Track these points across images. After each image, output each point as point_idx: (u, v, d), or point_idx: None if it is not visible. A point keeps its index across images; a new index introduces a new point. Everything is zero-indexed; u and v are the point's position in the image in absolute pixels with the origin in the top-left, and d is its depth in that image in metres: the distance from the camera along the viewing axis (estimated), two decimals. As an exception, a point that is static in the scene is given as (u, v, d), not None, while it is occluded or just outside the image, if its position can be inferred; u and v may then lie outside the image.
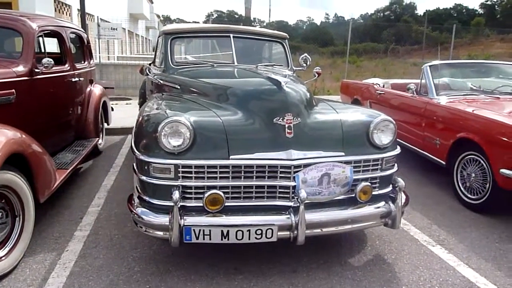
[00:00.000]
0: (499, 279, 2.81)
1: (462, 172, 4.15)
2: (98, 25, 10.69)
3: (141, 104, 6.50)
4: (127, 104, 9.76)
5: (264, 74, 3.15)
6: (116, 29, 10.88)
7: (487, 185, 3.80)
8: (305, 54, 4.49)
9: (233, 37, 4.31)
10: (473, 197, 3.99)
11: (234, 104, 2.86)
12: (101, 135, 5.76)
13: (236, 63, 4.13)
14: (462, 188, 4.14)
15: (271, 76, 2.97)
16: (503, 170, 3.53)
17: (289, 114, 2.63)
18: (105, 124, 6.20)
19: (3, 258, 2.64)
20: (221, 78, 3.60)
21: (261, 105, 2.75)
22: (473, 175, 3.96)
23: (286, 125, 2.61)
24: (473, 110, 4.17)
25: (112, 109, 6.44)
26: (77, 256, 2.97)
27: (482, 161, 3.86)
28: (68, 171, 3.82)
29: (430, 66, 5.13)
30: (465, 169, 4.10)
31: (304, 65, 4.45)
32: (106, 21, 13.06)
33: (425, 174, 5.06)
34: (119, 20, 13.45)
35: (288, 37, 4.77)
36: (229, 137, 2.57)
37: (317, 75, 4.48)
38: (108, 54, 17.55)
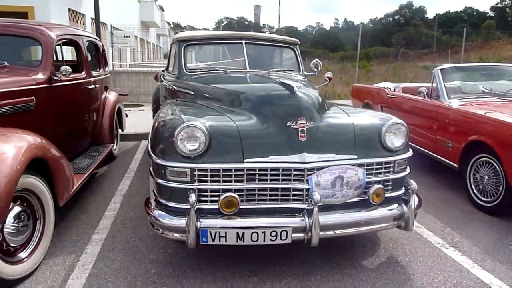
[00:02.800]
0: (513, 281, 2.81)
1: (475, 175, 4.14)
2: (111, 33, 10.88)
3: (154, 110, 6.61)
4: (140, 110, 9.90)
5: (277, 79, 3.21)
6: (129, 37, 11.07)
7: (500, 188, 3.80)
8: (316, 60, 4.54)
9: (245, 43, 4.38)
10: (486, 199, 3.98)
11: (247, 109, 2.92)
12: (115, 141, 5.86)
13: (248, 69, 4.19)
14: (475, 191, 4.14)
15: (283, 81, 3.02)
16: (516, 173, 3.53)
17: (302, 118, 2.68)
18: (120, 130, 6.30)
19: (25, 259, 2.72)
20: (234, 83, 3.67)
21: (275, 110, 2.80)
22: (486, 177, 3.95)
23: (299, 129, 2.66)
24: (485, 113, 4.17)
25: (126, 115, 6.55)
26: (95, 258, 3.04)
27: (495, 164, 3.86)
28: (85, 175, 3.91)
29: (441, 69, 5.14)
30: (478, 171, 4.10)
31: (315, 70, 4.51)
32: (119, 29, 13.26)
33: (437, 177, 5.06)
34: (131, 28, 13.65)
35: (299, 42, 4.83)
36: (244, 141, 2.63)
37: (328, 80, 4.53)
38: (121, 61, 17.79)
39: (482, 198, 4.03)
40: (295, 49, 4.73)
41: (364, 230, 2.80)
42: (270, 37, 4.89)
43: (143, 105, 10.56)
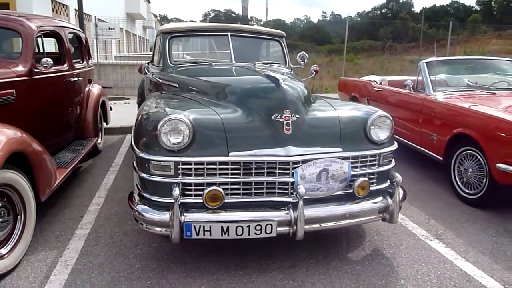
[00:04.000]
0: (496, 272, 2.84)
1: (459, 168, 4.18)
2: (96, 25, 10.70)
3: (139, 103, 6.52)
4: (125, 103, 9.78)
5: (262, 72, 3.18)
6: (114, 29, 10.90)
7: (484, 180, 3.84)
8: (303, 52, 4.52)
9: (231, 35, 4.33)
10: (470, 192, 4.03)
11: (232, 102, 2.88)
12: (100, 135, 5.78)
13: (234, 62, 4.15)
14: (459, 183, 4.18)
15: (269, 73, 3.00)
16: (499, 165, 3.57)
17: (287, 111, 2.65)
18: (104, 124, 6.21)
19: (5, 256, 2.66)
20: (219, 76, 3.63)
21: (259, 103, 2.77)
22: (470, 170, 3.99)
23: (284, 122, 2.64)
24: (470, 106, 4.20)
25: (111, 109, 6.47)
26: (78, 253, 2.99)
27: (479, 156, 3.90)
28: (68, 170, 3.85)
29: (426, 62, 5.17)
30: (462, 164, 4.13)
31: (302, 62, 4.49)
32: (103, 21, 13.05)
33: (422, 170, 5.10)
34: (116, 20, 13.45)
35: (285, 35, 4.80)
36: (228, 134, 2.60)
37: (314, 73, 4.51)
38: (106, 53, 17.54)
39: (466, 191, 4.08)
40: (282, 42, 4.70)
41: (349, 223, 2.80)
42: (256, 29, 4.85)
43: (128, 98, 10.43)
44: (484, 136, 3.79)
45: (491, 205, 3.92)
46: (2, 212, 2.66)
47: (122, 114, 7.89)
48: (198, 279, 2.69)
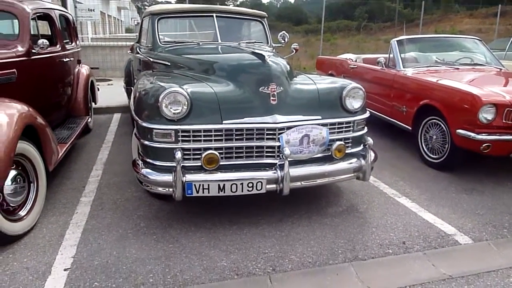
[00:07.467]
0: (453, 220, 3.32)
1: (425, 135, 4.65)
2: (75, 7, 10.69)
3: (127, 82, 6.76)
4: (108, 84, 9.92)
5: (248, 50, 3.51)
6: (94, 10, 10.91)
7: (446, 146, 4.31)
8: (283, 32, 4.86)
9: (216, 16, 4.62)
10: (434, 156, 4.51)
11: (223, 77, 3.23)
12: (90, 114, 6.01)
13: (220, 41, 4.46)
14: (425, 149, 4.66)
15: (255, 51, 3.34)
16: (459, 131, 4.03)
17: (273, 83, 3.02)
18: (93, 104, 6.42)
19: (24, 217, 2.97)
20: (209, 54, 3.94)
21: (248, 77, 3.12)
22: (434, 137, 4.46)
23: (271, 93, 3.00)
24: (436, 80, 4.65)
25: (98, 89, 6.67)
26: (86, 217, 3.31)
27: (442, 124, 4.36)
28: (68, 144, 4.13)
29: (397, 41, 5.59)
30: (427, 132, 4.60)
31: (283, 41, 4.83)
32: (79, 2, 12.96)
33: (394, 140, 5.57)
34: (91, 1, 13.35)
35: (267, 16, 5.11)
36: (221, 105, 2.95)
37: (295, 51, 4.86)
38: (82, 35, 17.31)
39: (431, 155, 4.56)
40: (263, 22, 5.02)
41: (328, 181, 3.21)
42: (239, 10, 5.14)
43: (111, 80, 10.56)
44: (447, 106, 4.25)
45: (452, 167, 4.41)
46: (19, 179, 2.95)
47: (107, 94, 8.08)
48: (197, 232, 3.06)
